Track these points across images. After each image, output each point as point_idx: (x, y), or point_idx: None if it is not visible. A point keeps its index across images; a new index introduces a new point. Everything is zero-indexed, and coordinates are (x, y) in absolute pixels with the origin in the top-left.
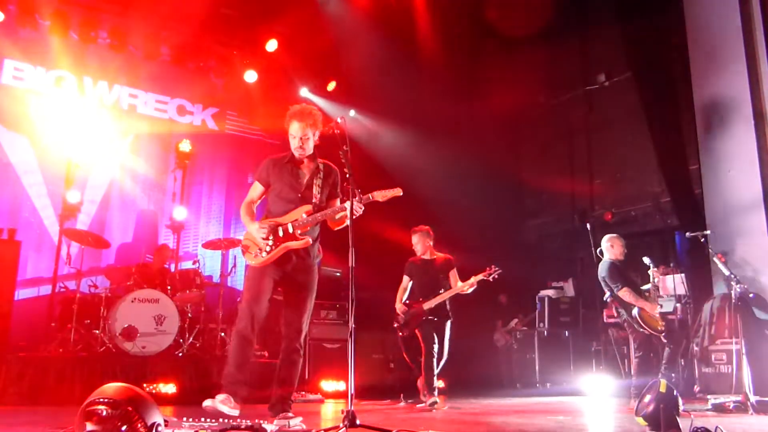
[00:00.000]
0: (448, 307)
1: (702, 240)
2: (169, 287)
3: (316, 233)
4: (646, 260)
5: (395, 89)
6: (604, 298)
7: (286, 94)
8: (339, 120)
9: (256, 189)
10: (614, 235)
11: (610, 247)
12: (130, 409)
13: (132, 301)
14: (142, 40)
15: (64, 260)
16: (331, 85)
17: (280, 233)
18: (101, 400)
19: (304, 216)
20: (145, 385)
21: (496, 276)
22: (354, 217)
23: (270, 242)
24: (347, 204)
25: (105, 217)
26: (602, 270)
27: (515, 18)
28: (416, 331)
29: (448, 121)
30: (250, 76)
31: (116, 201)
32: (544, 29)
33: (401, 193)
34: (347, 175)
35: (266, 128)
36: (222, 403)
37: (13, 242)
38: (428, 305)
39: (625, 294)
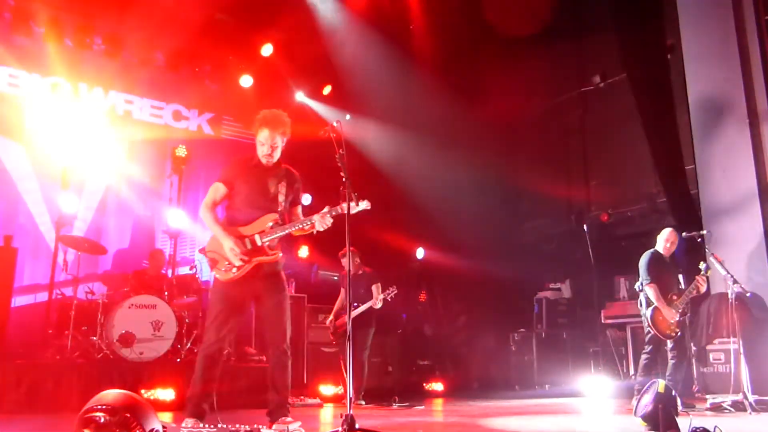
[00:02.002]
0: (371, 317)
1: (699, 240)
2: (166, 293)
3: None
4: (702, 266)
5: (391, 93)
6: (635, 286)
7: (282, 98)
8: (335, 124)
9: (219, 190)
10: (672, 229)
11: (658, 238)
12: (128, 415)
13: (129, 307)
14: (137, 46)
15: (60, 267)
16: (327, 89)
17: (248, 245)
18: (99, 407)
19: (270, 224)
20: (143, 391)
21: (392, 297)
22: (316, 231)
23: (240, 258)
24: (315, 217)
25: (101, 223)
26: (643, 258)
27: (510, 20)
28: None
29: (444, 124)
30: (246, 81)
31: (112, 207)
32: (539, 31)
33: (370, 207)
34: (344, 180)
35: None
36: (193, 428)
37: (10, 249)
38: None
39: (649, 290)
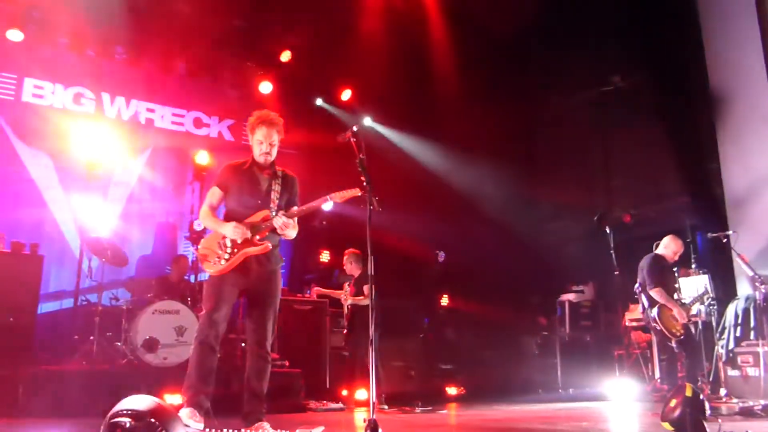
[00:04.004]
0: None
1: (725, 240)
2: (189, 298)
3: (276, 240)
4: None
5: (409, 96)
6: (634, 289)
7: (302, 103)
8: (354, 129)
9: (216, 194)
10: (673, 235)
11: (665, 245)
12: (153, 420)
13: (153, 313)
14: (157, 55)
15: (85, 273)
16: (346, 94)
17: (239, 240)
18: (125, 412)
19: (261, 218)
20: (166, 396)
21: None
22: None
23: (228, 250)
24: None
25: (125, 230)
26: (644, 261)
27: (528, 21)
28: None
29: (463, 126)
30: (265, 87)
31: (135, 214)
32: (557, 31)
33: (360, 194)
34: (364, 184)
35: (281, 138)
36: (188, 417)
37: (36, 257)
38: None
39: (656, 294)
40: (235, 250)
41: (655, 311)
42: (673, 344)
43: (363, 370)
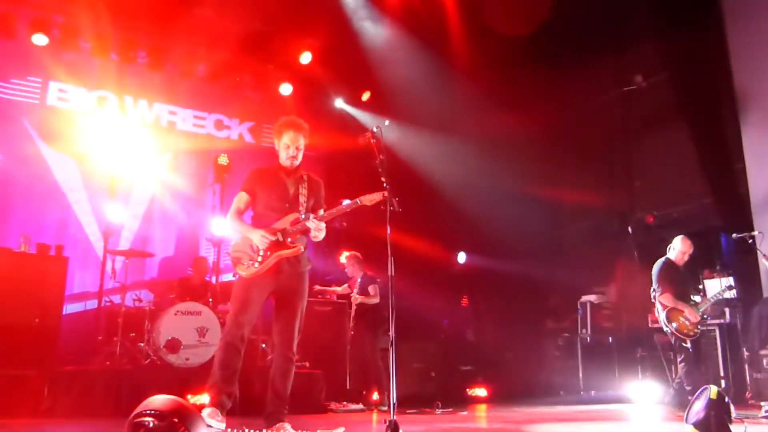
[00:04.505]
0: (375, 318)
1: (750, 241)
2: (210, 299)
3: (305, 242)
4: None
5: (430, 98)
6: (650, 293)
7: (321, 105)
8: (375, 130)
9: (243, 199)
10: (682, 236)
11: (673, 247)
12: (176, 420)
13: (175, 314)
14: (179, 58)
15: (109, 275)
16: (366, 95)
17: (279, 237)
18: (148, 412)
19: (291, 221)
20: (189, 396)
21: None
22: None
23: (261, 252)
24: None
25: (147, 232)
26: (655, 267)
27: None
28: None
29: (485, 127)
30: (285, 89)
31: (158, 216)
32: (579, 32)
33: (384, 197)
34: (384, 185)
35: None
36: (210, 417)
37: (61, 258)
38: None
39: (663, 299)
40: (268, 253)
41: (663, 315)
42: (679, 356)
43: (370, 370)
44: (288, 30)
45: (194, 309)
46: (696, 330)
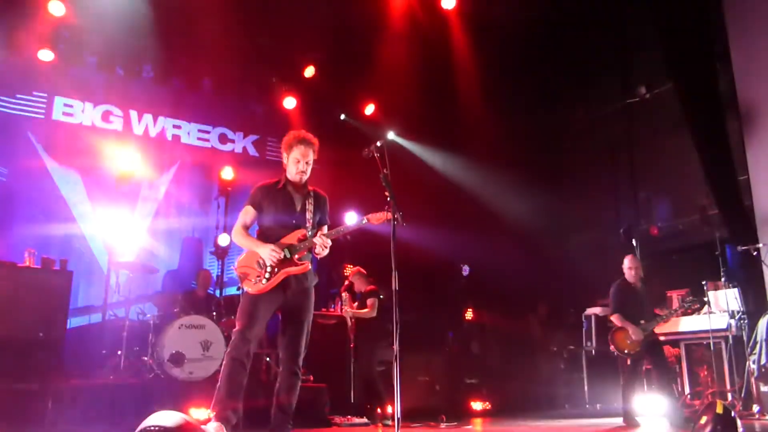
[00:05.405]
0: (376, 329)
1: (755, 253)
2: (214, 313)
3: (310, 258)
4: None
5: (433, 108)
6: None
7: (326, 118)
8: (378, 144)
9: (249, 213)
10: (631, 255)
11: (625, 267)
12: None
13: (179, 328)
14: (184, 72)
15: (113, 289)
16: (369, 109)
17: (287, 253)
18: (152, 427)
19: (298, 237)
20: (192, 410)
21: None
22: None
23: (269, 269)
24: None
25: (151, 245)
26: (611, 288)
27: (553, 32)
28: None
29: (488, 138)
30: (290, 103)
31: (162, 229)
32: (582, 42)
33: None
34: (388, 198)
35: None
36: None
37: (66, 272)
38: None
39: (614, 319)
40: (276, 270)
41: (610, 334)
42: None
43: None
44: (291, 44)
45: (198, 323)
46: (637, 349)
